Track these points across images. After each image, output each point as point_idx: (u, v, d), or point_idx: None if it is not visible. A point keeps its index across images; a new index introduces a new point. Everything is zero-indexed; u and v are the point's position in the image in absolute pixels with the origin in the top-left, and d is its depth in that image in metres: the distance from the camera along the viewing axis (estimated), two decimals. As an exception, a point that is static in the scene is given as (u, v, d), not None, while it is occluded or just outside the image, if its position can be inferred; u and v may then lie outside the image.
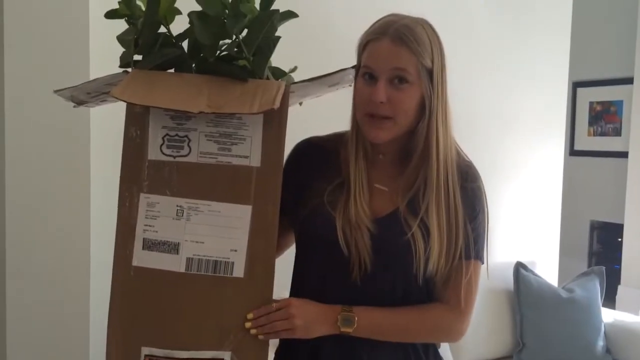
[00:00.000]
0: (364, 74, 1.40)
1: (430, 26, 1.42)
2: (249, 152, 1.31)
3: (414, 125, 1.42)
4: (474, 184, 1.48)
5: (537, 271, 3.55)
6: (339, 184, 1.45)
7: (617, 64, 5.14)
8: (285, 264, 1.53)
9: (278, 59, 1.40)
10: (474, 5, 3.60)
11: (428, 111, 1.40)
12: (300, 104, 1.56)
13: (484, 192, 1.49)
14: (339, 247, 1.40)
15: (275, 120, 1.31)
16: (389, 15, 1.43)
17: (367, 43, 1.41)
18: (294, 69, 1.46)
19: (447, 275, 1.44)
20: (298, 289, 1.54)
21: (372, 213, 1.43)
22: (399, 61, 1.36)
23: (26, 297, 2.32)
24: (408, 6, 1.50)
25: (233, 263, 1.32)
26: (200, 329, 1.33)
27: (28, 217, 2.30)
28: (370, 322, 1.41)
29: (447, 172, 1.42)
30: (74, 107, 1.44)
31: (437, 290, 1.47)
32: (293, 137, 1.46)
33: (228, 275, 1.32)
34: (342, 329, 1.39)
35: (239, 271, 1.32)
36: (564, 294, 3.38)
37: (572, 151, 5.47)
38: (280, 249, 1.66)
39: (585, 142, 5.50)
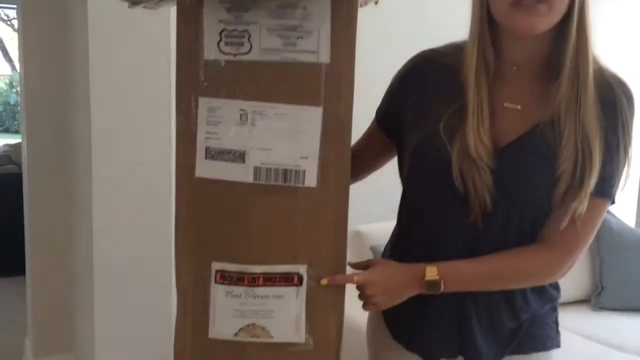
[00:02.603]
0: None
1: None
2: (316, 47, 1.17)
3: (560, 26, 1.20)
4: (610, 95, 1.23)
5: (616, 214, 3.35)
6: (459, 108, 1.26)
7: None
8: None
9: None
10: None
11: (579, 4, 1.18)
12: (376, 2, 1.33)
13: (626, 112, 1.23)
14: (455, 185, 1.24)
15: (344, 9, 1.16)
16: None
17: None
18: None
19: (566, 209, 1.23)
20: (412, 223, 1.39)
21: (496, 141, 1.24)
22: None
23: (112, 292, 2.43)
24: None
25: (304, 171, 1.20)
26: (273, 242, 1.22)
27: (114, 214, 2.40)
28: (457, 281, 1.27)
29: (590, 84, 1.21)
30: (129, 7, 1.31)
31: (549, 223, 1.27)
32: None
33: (300, 185, 1.20)
34: (428, 293, 1.27)
35: (311, 180, 1.20)
36: (645, 235, 3.20)
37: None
38: (367, 169, 1.52)
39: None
